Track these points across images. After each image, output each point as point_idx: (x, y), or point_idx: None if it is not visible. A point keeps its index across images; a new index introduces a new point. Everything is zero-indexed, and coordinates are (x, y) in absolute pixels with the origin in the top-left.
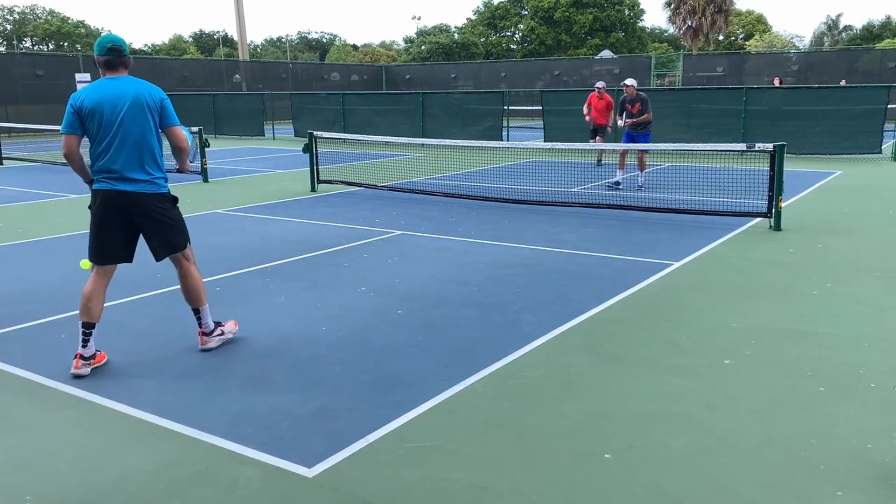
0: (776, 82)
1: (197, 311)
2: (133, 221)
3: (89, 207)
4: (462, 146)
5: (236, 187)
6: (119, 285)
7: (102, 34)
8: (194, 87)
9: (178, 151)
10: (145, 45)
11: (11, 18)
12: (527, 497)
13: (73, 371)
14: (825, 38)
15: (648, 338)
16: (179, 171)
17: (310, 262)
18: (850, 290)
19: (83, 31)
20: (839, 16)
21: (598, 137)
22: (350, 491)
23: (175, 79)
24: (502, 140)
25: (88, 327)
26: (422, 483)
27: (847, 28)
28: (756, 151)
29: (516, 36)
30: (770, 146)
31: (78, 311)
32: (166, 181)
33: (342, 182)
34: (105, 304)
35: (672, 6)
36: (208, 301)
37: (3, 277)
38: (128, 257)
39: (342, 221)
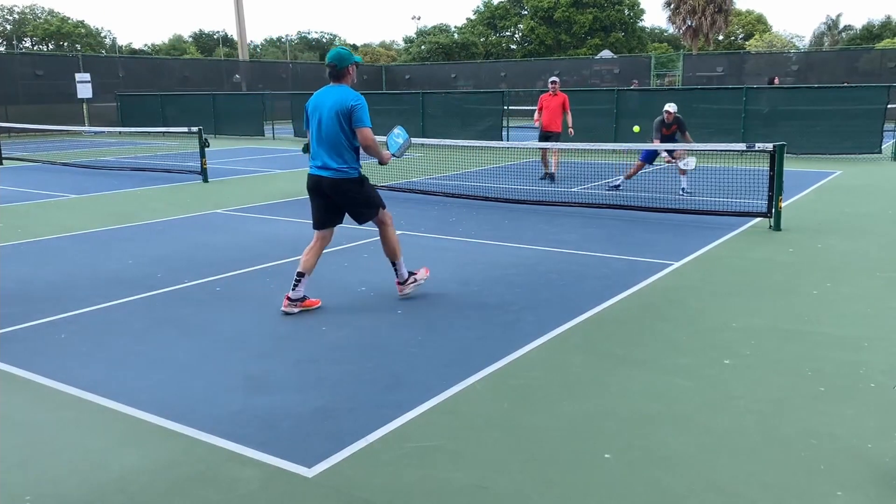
0: (776, 81)
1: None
2: None
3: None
4: (462, 146)
5: (236, 187)
6: (119, 285)
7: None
8: (194, 87)
9: None
10: (145, 45)
11: (11, 18)
12: (527, 497)
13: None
14: (825, 38)
15: (648, 338)
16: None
17: None
18: (850, 290)
19: (83, 31)
20: (839, 16)
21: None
22: (350, 491)
23: (175, 79)
24: (502, 140)
25: None
26: (422, 483)
27: (847, 28)
28: (756, 151)
29: (516, 36)
30: (770, 146)
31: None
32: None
33: None
34: (105, 304)
35: (672, 6)
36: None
37: (3, 277)
38: None
39: (342, 221)
